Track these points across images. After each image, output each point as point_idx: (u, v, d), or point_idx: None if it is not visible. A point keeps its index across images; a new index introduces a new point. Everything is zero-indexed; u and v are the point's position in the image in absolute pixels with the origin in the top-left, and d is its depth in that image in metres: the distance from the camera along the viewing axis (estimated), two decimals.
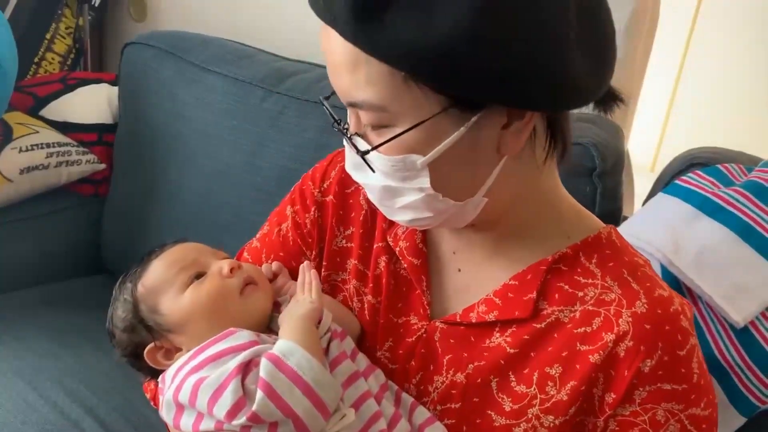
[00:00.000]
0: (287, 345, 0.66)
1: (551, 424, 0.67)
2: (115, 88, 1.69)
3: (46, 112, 1.67)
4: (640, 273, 0.69)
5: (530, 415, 0.68)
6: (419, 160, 0.62)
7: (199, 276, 0.75)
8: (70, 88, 1.71)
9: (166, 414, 0.70)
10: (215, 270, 0.75)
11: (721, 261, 0.98)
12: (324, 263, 0.82)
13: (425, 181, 0.63)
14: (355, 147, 0.65)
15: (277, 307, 0.78)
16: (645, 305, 0.67)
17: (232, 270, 0.75)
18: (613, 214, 1.16)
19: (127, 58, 1.60)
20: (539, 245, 0.71)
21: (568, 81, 0.59)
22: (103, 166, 1.68)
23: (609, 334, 0.66)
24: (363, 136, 0.65)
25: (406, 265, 0.77)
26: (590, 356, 0.67)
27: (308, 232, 0.84)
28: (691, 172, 1.10)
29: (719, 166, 1.08)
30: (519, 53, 0.56)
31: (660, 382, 0.65)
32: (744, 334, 0.97)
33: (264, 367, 0.64)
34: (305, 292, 0.75)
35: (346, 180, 0.81)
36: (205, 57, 1.50)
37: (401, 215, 0.68)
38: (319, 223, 0.83)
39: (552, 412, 0.67)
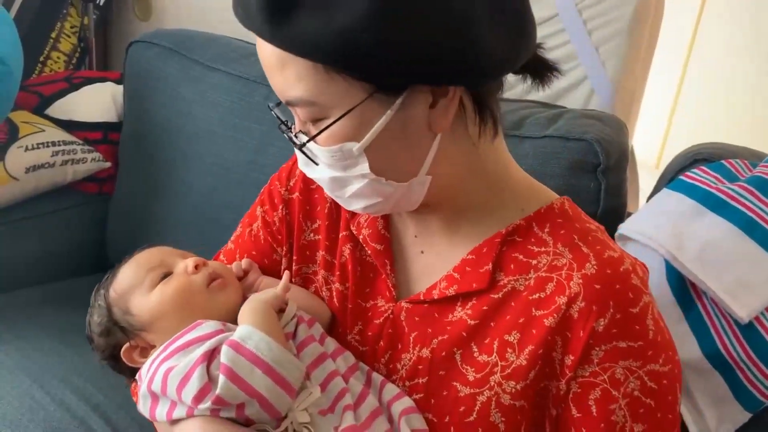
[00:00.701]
0: (245, 329, 0.69)
1: (513, 390, 0.69)
2: (120, 87, 1.71)
3: (51, 110, 1.69)
4: (591, 237, 0.71)
5: (492, 383, 0.70)
6: (354, 146, 0.65)
7: (167, 275, 0.78)
8: (75, 87, 1.73)
9: (142, 406, 0.73)
10: (181, 268, 0.78)
11: (725, 256, 0.98)
12: (294, 257, 0.85)
13: (365, 167, 0.66)
14: (296, 143, 0.68)
15: None
16: (594, 266, 0.68)
17: (197, 267, 0.77)
18: (617, 210, 1.16)
19: (132, 57, 1.61)
20: (494, 220, 0.74)
21: (480, 55, 0.62)
22: (108, 164, 1.70)
23: (561, 297, 0.68)
24: (307, 134, 0.68)
25: (370, 252, 0.80)
26: (545, 320, 0.68)
27: (277, 229, 0.87)
28: (695, 168, 1.09)
29: (723, 161, 1.08)
30: (422, 33, 0.59)
31: (615, 340, 0.67)
32: (748, 330, 0.97)
33: (225, 353, 0.67)
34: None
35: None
36: (210, 55, 1.51)
37: (354, 204, 0.71)
38: (287, 220, 0.86)
39: (513, 377, 0.69)
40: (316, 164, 0.69)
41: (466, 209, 0.75)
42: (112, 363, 0.81)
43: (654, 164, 2.78)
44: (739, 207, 1.01)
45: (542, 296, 0.70)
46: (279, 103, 0.70)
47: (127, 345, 0.78)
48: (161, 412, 0.70)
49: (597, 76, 1.50)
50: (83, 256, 1.71)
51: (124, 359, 0.78)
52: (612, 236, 1.05)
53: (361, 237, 0.80)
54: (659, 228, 1.04)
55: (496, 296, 0.72)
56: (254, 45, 1.76)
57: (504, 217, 0.74)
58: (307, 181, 0.85)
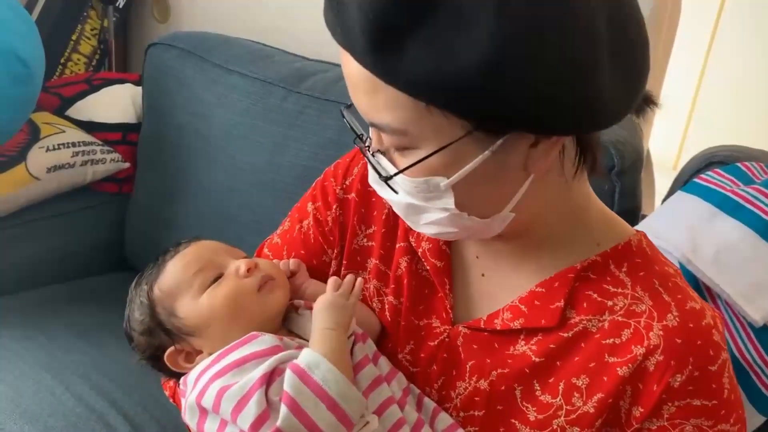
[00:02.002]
0: (313, 357, 0.65)
1: None
2: (139, 88, 1.72)
3: (72, 111, 1.71)
4: (671, 284, 0.68)
5: (555, 426, 0.67)
6: (443, 182, 0.61)
7: (217, 278, 0.73)
8: (95, 89, 1.75)
9: (189, 418, 0.70)
10: (232, 270, 0.74)
11: (740, 259, 0.98)
12: (344, 262, 0.81)
13: (450, 202, 0.62)
14: (377, 171, 0.64)
15: (294, 308, 0.77)
16: (676, 318, 0.65)
17: (249, 270, 0.73)
18: (632, 212, 1.16)
19: (151, 59, 1.63)
20: (567, 253, 0.70)
21: (598, 103, 0.56)
22: (127, 164, 1.71)
23: (639, 347, 0.65)
24: (386, 153, 0.64)
25: (428, 267, 0.76)
26: (618, 369, 0.65)
27: (330, 230, 0.82)
28: (710, 171, 1.09)
29: (739, 164, 1.08)
30: (544, 81, 0.54)
31: (690, 397, 0.64)
32: (763, 333, 0.97)
33: (288, 380, 0.63)
34: (340, 291, 0.73)
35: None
36: (227, 57, 1.52)
37: (426, 229, 0.67)
38: (340, 222, 0.82)
39: (578, 423, 0.66)
40: (396, 192, 0.64)
41: (540, 240, 0.71)
42: (152, 363, 0.77)
43: (671, 166, 2.76)
44: (755, 210, 1.01)
45: (617, 342, 0.66)
46: (350, 105, 0.64)
47: (171, 349, 0.74)
48: (210, 429, 0.67)
49: None
50: (103, 255, 1.72)
51: (168, 364, 0.74)
52: None
53: (420, 250, 0.76)
54: (674, 230, 1.04)
55: (565, 335, 0.68)
56: (270, 47, 1.77)
57: (578, 251, 0.70)
58: (365, 182, 0.79)
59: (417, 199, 0.63)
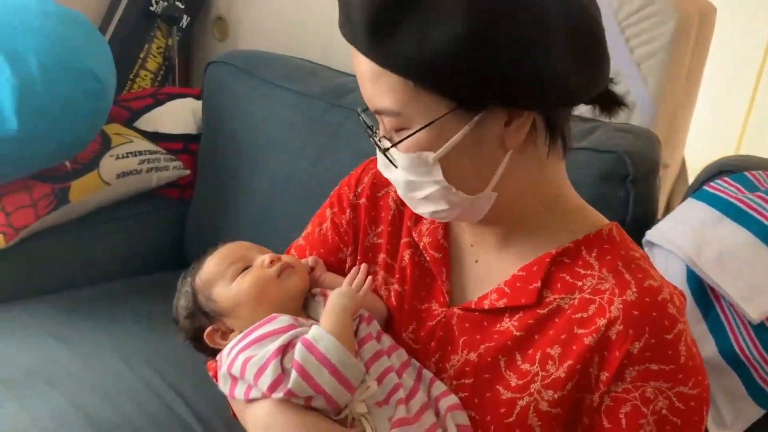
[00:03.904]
0: (318, 331, 0.75)
1: (551, 398, 0.73)
2: (199, 102, 1.81)
3: (139, 123, 1.80)
4: (635, 265, 0.75)
5: (532, 390, 0.74)
6: (431, 156, 0.70)
7: (246, 269, 0.85)
8: (160, 102, 1.83)
9: (222, 385, 0.80)
10: (258, 262, 0.86)
11: (741, 263, 1.02)
12: (358, 257, 0.91)
13: (438, 174, 0.71)
14: (380, 147, 0.74)
15: (312, 297, 0.88)
16: (635, 294, 0.72)
17: (272, 261, 0.85)
18: (647, 218, 1.20)
19: (209, 76, 1.73)
20: (545, 240, 0.78)
21: (557, 82, 0.66)
22: (187, 172, 1.80)
23: (602, 319, 0.72)
24: (390, 139, 0.73)
25: (428, 259, 0.85)
26: (585, 338, 0.72)
27: (344, 231, 0.93)
28: (718, 179, 1.13)
29: (745, 172, 1.12)
30: (508, 60, 0.63)
31: (648, 362, 0.70)
32: (762, 331, 1.01)
33: (298, 350, 0.73)
34: (353, 285, 0.84)
35: (377, 185, 0.92)
36: (275, 74, 1.61)
37: (422, 207, 0.76)
38: (353, 224, 0.92)
39: (551, 387, 0.73)
40: (396, 167, 0.73)
41: (521, 226, 0.79)
42: (194, 343, 0.89)
43: None
44: (757, 216, 1.04)
45: (584, 316, 0.73)
46: (365, 109, 0.74)
47: (209, 329, 0.85)
48: (239, 392, 0.77)
49: (638, 91, 1.52)
50: (165, 253, 1.81)
51: (206, 341, 0.85)
52: (640, 243, 1.12)
53: (421, 244, 0.85)
54: (681, 235, 1.08)
55: (541, 312, 0.75)
56: (315, 63, 1.88)
57: (555, 238, 0.77)
58: (374, 189, 0.92)
59: (413, 174, 0.72)
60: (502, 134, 0.70)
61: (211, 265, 0.87)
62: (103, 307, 1.57)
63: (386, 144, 0.74)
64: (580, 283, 0.75)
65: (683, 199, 1.22)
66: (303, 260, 0.93)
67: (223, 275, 0.86)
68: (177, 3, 2.04)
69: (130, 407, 1.27)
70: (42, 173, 1.56)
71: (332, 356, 0.73)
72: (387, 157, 0.74)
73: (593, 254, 0.76)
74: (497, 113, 0.69)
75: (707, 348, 1.04)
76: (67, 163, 1.59)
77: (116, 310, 1.56)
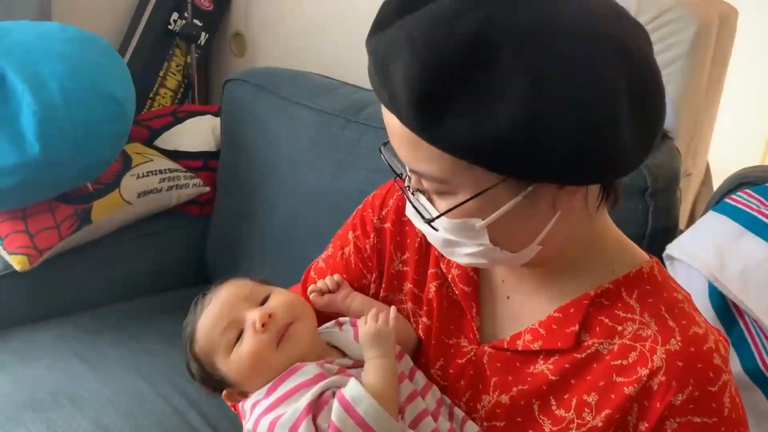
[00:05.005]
0: (357, 391, 0.70)
1: None
2: (218, 119, 1.82)
3: (159, 142, 1.81)
4: (678, 310, 0.72)
5: None
6: (478, 223, 0.66)
7: (240, 335, 0.78)
8: (179, 120, 1.85)
9: None
10: (249, 325, 0.77)
11: (765, 278, 1.01)
12: (383, 285, 0.88)
13: (485, 240, 0.68)
14: (418, 211, 0.69)
15: (338, 324, 0.84)
16: (679, 343, 0.69)
17: (264, 325, 0.76)
18: (668, 230, 1.19)
19: (227, 93, 1.74)
20: (584, 279, 0.75)
21: (619, 157, 0.61)
22: (207, 189, 1.80)
23: (643, 369, 0.69)
24: (424, 193, 0.69)
25: (457, 292, 0.81)
26: (625, 388, 0.70)
27: (368, 256, 0.89)
28: (739, 191, 1.12)
29: (767, 184, 1.11)
30: (570, 140, 0.59)
31: (690, 414, 0.68)
32: None
33: (335, 411, 0.69)
34: (384, 320, 0.77)
35: (402, 208, 0.87)
36: (294, 91, 1.62)
37: (459, 259, 0.73)
38: (378, 249, 0.88)
39: None
40: (436, 230, 0.69)
41: (560, 267, 0.76)
42: (217, 393, 0.84)
43: None
44: None
45: (624, 363, 0.71)
46: (386, 143, 0.69)
47: (225, 392, 0.81)
48: None
49: None
50: (186, 270, 1.83)
51: (227, 401, 0.81)
52: (660, 257, 1.11)
53: (450, 276, 0.82)
54: (703, 249, 1.07)
55: (579, 356, 0.73)
56: (333, 80, 1.88)
57: (594, 278, 0.74)
58: (400, 212, 0.86)
59: (454, 236, 0.69)
60: (554, 198, 0.67)
61: (204, 331, 0.80)
62: (125, 326, 1.59)
63: (423, 202, 0.69)
64: (620, 328, 0.73)
65: (704, 212, 1.21)
66: (328, 278, 0.89)
67: (218, 346, 0.79)
68: (195, 21, 2.07)
69: (153, 427, 1.29)
70: (64, 195, 1.59)
71: (372, 422, 0.69)
72: (430, 226, 0.69)
73: (634, 296, 0.73)
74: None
75: (731, 365, 1.02)
76: (89, 185, 1.62)
77: (138, 328, 1.58)
